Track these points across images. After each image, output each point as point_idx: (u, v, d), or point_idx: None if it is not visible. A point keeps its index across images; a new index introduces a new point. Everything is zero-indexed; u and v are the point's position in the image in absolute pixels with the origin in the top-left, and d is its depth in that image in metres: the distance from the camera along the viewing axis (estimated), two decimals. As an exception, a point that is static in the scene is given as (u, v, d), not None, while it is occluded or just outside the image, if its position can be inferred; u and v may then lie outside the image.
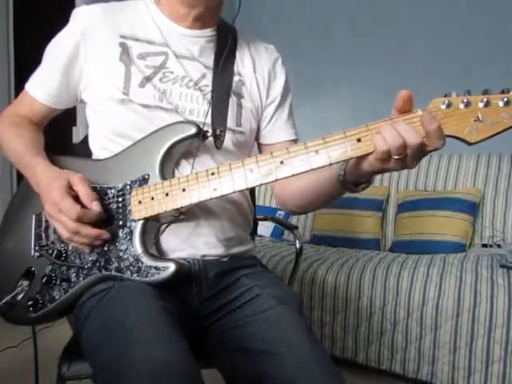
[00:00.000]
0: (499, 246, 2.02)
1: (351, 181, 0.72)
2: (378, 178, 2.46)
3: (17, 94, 0.94)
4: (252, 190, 1.15)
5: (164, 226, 0.79)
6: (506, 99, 0.61)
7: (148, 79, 0.84)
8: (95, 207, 0.75)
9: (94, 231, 0.75)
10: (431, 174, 2.32)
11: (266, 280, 0.87)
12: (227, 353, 0.80)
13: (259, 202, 2.73)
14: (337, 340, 1.76)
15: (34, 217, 0.85)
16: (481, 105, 0.62)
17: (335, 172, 0.74)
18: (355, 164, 0.69)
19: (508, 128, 0.62)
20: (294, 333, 0.75)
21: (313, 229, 2.47)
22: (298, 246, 1.39)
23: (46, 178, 0.77)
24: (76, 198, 0.75)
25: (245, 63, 0.93)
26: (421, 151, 0.62)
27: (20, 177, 0.88)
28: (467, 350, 1.51)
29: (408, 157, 0.62)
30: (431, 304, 1.57)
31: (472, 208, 2.10)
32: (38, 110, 0.91)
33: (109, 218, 0.79)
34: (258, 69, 0.94)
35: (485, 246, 2.07)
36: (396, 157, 0.62)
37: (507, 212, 2.10)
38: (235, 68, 0.91)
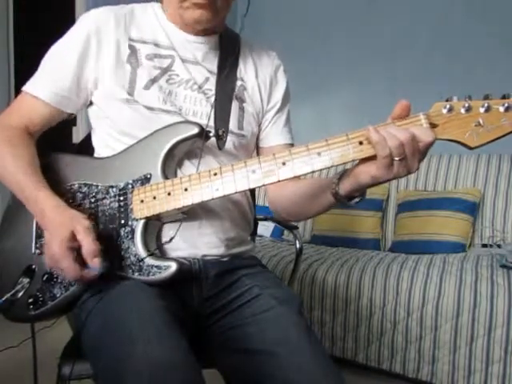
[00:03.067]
0: (499, 246, 2.02)
1: (344, 194, 0.72)
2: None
3: (17, 94, 0.89)
4: (252, 190, 1.16)
5: (171, 229, 0.79)
6: (506, 104, 0.62)
7: (154, 81, 0.85)
8: (96, 264, 0.71)
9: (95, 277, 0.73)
10: (431, 174, 2.33)
11: (266, 280, 0.87)
12: (227, 353, 0.80)
13: (259, 202, 2.73)
14: (337, 340, 1.76)
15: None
16: (482, 110, 0.63)
17: (330, 182, 0.74)
18: (353, 177, 0.69)
19: (508, 133, 0.63)
20: (294, 333, 0.75)
21: (313, 229, 2.47)
22: (297, 246, 1.39)
23: (50, 224, 0.73)
24: (78, 249, 0.71)
25: (247, 69, 0.95)
26: (417, 147, 0.63)
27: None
28: (467, 349, 1.51)
29: (408, 156, 0.63)
30: (431, 304, 1.57)
31: (472, 208, 2.10)
32: (39, 113, 0.85)
33: (110, 216, 0.79)
34: (260, 75, 0.96)
35: (485, 245, 2.07)
36: (397, 158, 0.63)
37: (507, 212, 2.10)
38: (238, 73, 0.93)
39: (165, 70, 0.86)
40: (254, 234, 1.11)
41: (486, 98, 0.64)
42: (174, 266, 0.74)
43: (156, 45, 0.87)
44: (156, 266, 0.75)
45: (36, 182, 0.77)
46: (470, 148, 0.65)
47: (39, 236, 0.83)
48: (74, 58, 0.84)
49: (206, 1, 0.80)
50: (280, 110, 0.98)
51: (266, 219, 1.69)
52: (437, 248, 2.00)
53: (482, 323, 1.49)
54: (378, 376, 1.73)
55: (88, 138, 0.94)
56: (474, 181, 2.21)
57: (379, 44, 2.74)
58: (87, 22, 0.86)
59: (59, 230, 0.71)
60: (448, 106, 0.64)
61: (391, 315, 1.65)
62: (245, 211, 0.93)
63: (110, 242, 0.78)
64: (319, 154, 0.67)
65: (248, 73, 0.94)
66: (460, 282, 1.56)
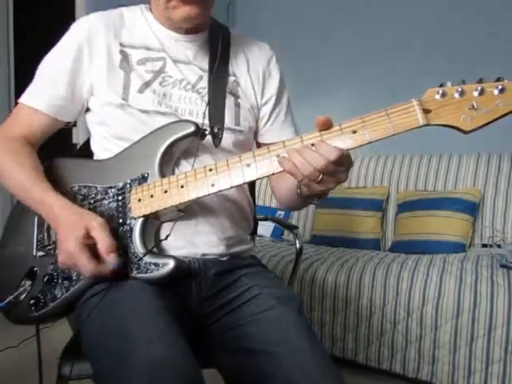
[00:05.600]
0: (499, 246, 2.01)
1: (306, 195, 0.75)
2: (377, 177, 2.46)
3: (17, 97, 0.89)
4: (252, 190, 1.16)
5: (169, 227, 0.79)
6: (500, 87, 0.61)
7: (147, 84, 0.85)
8: (112, 260, 0.71)
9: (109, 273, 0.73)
10: (431, 174, 2.32)
11: (266, 280, 0.87)
12: (227, 353, 0.80)
13: (259, 202, 2.73)
14: (337, 340, 1.76)
15: (36, 217, 0.85)
16: (475, 93, 0.62)
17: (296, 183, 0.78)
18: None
19: (503, 115, 0.62)
20: (294, 333, 0.75)
21: (313, 229, 2.47)
22: (298, 246, 1.39)
23: (63, 223, 0.73)
24: (92, 246, 0.72)
25: (239, 63, 0.94)
26: (332, 168, 0.65)
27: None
28: (467, 349, 1.51)
29: (326, 177, 0.66)
30: (431, 304, 1.57)
31: (472, 208, 2.10)
32: (38, 123, 0.86)
33: (109, 216, 0.79)
34: (253, 68, 0.95)
35: (485, 245, 2.07)
36: (315, 181, 0.66)
37: (507, 212, 2.10)
38: (230, 69, 0.92)
39: (157, 73, 0.86)
40: (253, 233, 1.11)
41: (480, 81, 0.63)
42: (171, 264, 0.74)
43: (147, 48, 0.88)
44: (154, 264, 0.75)
45: (42, 185, 0.78)
46: (465, 132, 0.64)
47: (41, 238, 0.84)
48: (67, 68, 0.85)
49: None
50: (276, 103, 0.97)
51: (266, 219, 1.69)
52: (437, 248, 2.00)
53: (482, 323, 1.49)
54: (378, 376, 1.73)
55: (88, 142, 0.95)
56: (474, 181, 2.20)
57: (379, 44, 2.74)
58: (78, 31, 0.86)
59: (73, 229, 0.72)
60: (441, 92, 0.64)
61: (391, 315, 1.65)
62: (244, 210, 0.93)
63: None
64: (313, 145, 0.67)
65: (240, 67, 0.94)
66: (460, 282, 1.56)
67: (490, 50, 2.41)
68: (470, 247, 2.08)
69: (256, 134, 0.98)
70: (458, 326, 1.52)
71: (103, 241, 0.71)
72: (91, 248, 0.72)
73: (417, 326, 1.60)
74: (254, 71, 0.95)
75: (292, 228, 1.48)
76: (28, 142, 0.86)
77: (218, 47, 0.89)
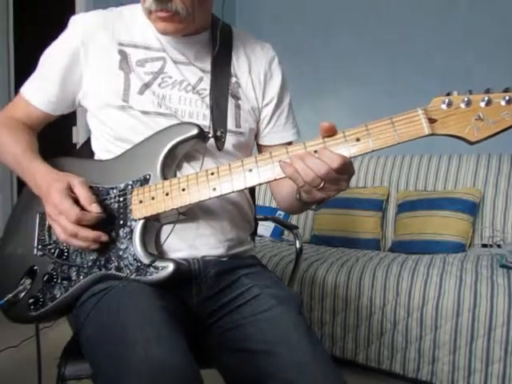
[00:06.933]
0: (499, 246, 2.02)
1: (305, 201, 0.75)
2: (377, 177, 2.46)
3: (17, 94, 0.93)
4: (252, 191, 1.16)
5: (169, 230, 0.79)
6: (507, 98, 0.60)
7: (147, 86, 0.85)
8: (95, 209, 0.75)
9: (92, 233, 0.75)
10: (431, 174, 2.32)
11: (266, 280, 0.87)
12: (227, 353, 0.80)
13: (259, 202, 2.73)
14: (337, 340, 1.76)
15: (37, 216, 0.85)
16: (482, 104, 0.62)
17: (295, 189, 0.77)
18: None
19: (510, 127, 0.61)
20: (293, 333, 0.75)
21: (313, 229, 2.47)
22: (298, 245, 1.39)
23: (47, 181, 0.77)
24: (76, 201, 0.75)
25: (240, 64, 0.93)
26: (334, 176, 0.65)
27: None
28: (467, 349, 1.51)
29: (327, 184, 0.66)
30: (431, 304, 1.57)
31: (472, 208, 2.10)
32: (34, 115, 0.90)
33: (110, 217, 0.79)
34: (254, 69, 0.94)
35: (485, 245, 2.07)
36: (316, 187, 0.66)
37: (507, 212, 2.10)
38: (232, 70, 0.92)
39: (157, 74, 0.86)
40: (254, 233, 1.11)
41: (487, 91, 0.62)
42: (171, 267, 0.74)
43: (146, 48, 0.87)
44: (153, 266, 0.75)
45: (30, 155, 0.83)
46: (471, 143, 0.63)
47: (41, 237, 0.84)
48: (61, 65, 0.86)
49: (166, 14, 0.78)
50: (278, 105, 0.96)
51: (266, 219, 1.69)
52: (437, 248, 2.00)
53: (482, 323, 1.49)
54: (377, 376, 1.73)
55: (88, 142, 0.95)
56: (474, 181, 2.20)
57: (379, 43, 2.74)
58: (75, 28, 0.86)
59: (56, 184, 0.75)
60: (447, 101, 0.63)
61: (391, 315, 1.65)
62: (245, 212, 0.93)
63: (108, 242, 0.78)
64: (316, 152, 0.67)
65: (241, 68, 0.93)
66: (460, 282, 1.56)
67: (490, 49, 2.41)
68: (470, 247, 2.08)
69: (257, 135, 0.98)
70: (458, 326, 1.52)
71: (85, 194, 0.75)
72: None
73: (417, 325, 1.60)
74: (256, 72, 0.94)
75: (292, 228, 1.48)
76: (26, 125, 0.91)
77: (220, 48, 0.89)
